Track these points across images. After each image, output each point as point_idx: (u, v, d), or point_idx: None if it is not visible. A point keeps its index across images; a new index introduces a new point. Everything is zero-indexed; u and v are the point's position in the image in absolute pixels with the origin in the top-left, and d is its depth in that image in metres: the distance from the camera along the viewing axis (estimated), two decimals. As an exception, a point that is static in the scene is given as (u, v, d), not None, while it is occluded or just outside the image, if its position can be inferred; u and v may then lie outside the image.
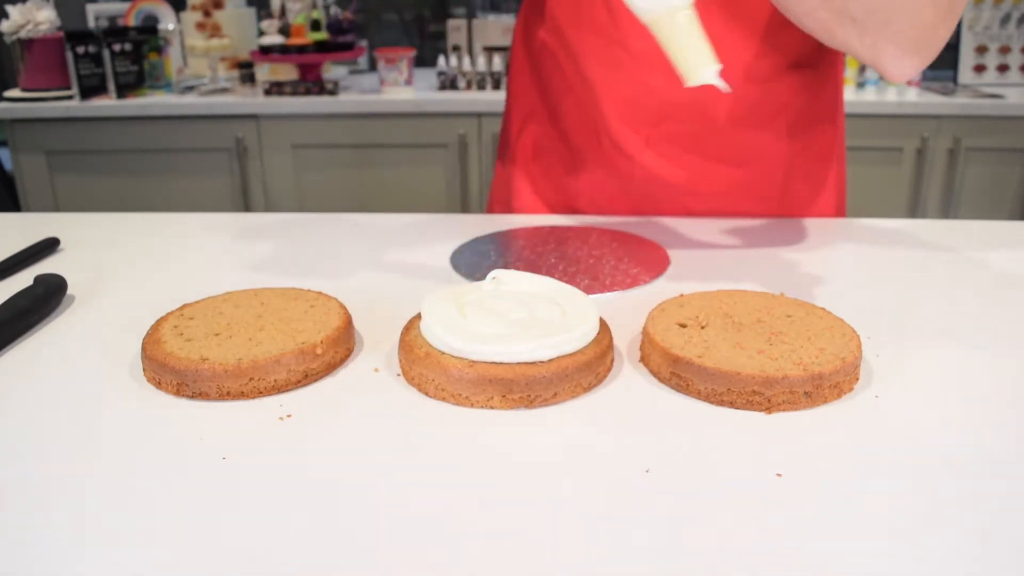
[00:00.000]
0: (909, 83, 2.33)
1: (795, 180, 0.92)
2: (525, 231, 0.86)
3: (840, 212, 0.98)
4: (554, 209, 0.97)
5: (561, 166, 0.96)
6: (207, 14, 2.54)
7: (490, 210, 1.06)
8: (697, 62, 0.58)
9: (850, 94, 2.24)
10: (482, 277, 0.71)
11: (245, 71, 2.37)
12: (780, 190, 0.92)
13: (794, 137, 0.90)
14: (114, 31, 2.31)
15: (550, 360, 0.52)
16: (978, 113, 2.15)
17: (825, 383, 0.51)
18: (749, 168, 0.90)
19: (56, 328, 0.64)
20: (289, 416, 0.50)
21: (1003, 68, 2.41)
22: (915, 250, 0.81)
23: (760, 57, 0.84)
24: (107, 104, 2.26)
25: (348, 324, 0.59)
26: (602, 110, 0.89)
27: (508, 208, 1.01)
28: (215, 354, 0.53)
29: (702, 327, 0.57)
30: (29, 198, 2.37)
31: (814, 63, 0.90)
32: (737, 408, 0.51)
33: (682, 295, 0.63)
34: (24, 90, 2.31)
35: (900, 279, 0.73)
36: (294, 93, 2.29)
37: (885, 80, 0.71)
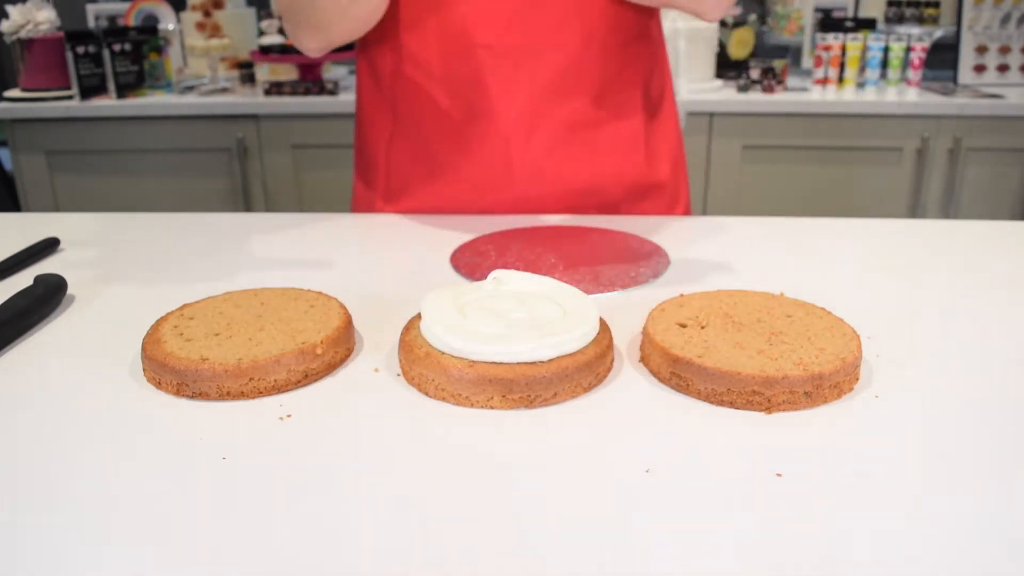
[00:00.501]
0: (909, 83, 2.33)
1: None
2: (525, 231, 0.86)
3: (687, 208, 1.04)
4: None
5: (430, 175, 0.97)
6: (207, 14, 2.54)
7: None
8: None
9: (850, 94, 2.24)
10: (482, 277, 0.71)
11: (245, 71, 2.37)
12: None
13: (601, 107, 0.94)
14: (114, 31, 2.30)
15: (550, 360, 0.52)
16: (978, 113, 2.15)
17: (825, 383, 0.51)
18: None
19: (56, 328, 0.64)
20: (289, 416, 0.50)
21: (1003, 68, 2.41)
22: (915, 250, 0.81)
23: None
24: (107, 104, 2.26)
25: (348, 324, 0.59)
26: (475, 110, 0.91)
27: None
28: (215, 354, 0.53)
29: (702, 327, 0.57)
30: (29, 198, 2.37)
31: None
32: (737, 408, 0.51)
33: (682, 295, 0.63)
34: (24, 90, 2.31)
35: (900, 279, 0.73)
36: (294, 93, 2.29)
37: (702, 20, 0.87)
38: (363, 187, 1.03)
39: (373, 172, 1.00)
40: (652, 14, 0.96)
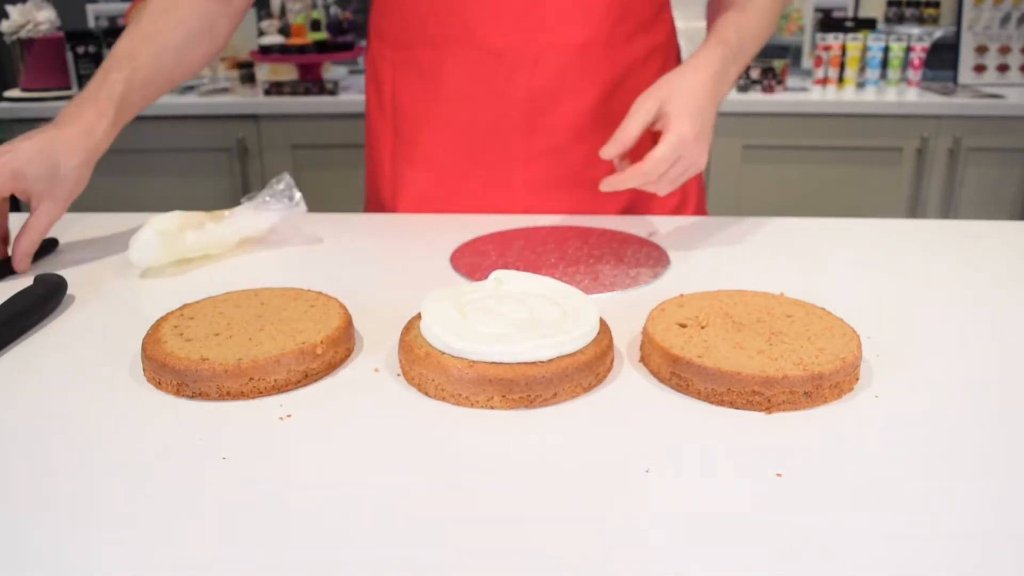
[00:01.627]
0: (909, 83, 2.33)
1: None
2: (525, 231, 0.86)
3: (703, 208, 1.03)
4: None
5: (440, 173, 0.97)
6: (207, 14, 2.54)
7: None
8: None
9: (850, 94, 2.24)
10: (482, 277, 0.71)
11: (245, 71, 2.37)
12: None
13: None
14: (114, 31, 2.30)
15: (550, 360, 0.52)
16: (978, 113, 2.15)
17: (825, 383, 0.51)
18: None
19: (56, 328, 0.64)
20: (289, 416, 0.50)
21: (1003, 68, 2.41)
22: (915, 250, 0.81)
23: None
24: (107, 104, 2.25)
25: (348, 324, 0.59)
26: (476, 112, 0.92)
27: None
28: (215, 354, 0.53)
29: (702, 327, 0.57)
30: (29, 198, 2.37)
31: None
32: (737, 408, 0.51)
33: (682, 295, 0.63)
34: (24, 90, 2.31)
35: (900, 279, 0.73)
36: (294, 93, 2.29)
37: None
38: (372, 191, 1.04)
39: (380, 177, 1.01)
40: (661, 7, 0.95)
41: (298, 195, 0.82)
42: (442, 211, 0.96)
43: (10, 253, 0.75)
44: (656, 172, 0.73)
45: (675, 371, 0.53)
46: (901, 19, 2.52)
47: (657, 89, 0.76)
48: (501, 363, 0.51)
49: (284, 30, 2.40)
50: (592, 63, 0.89)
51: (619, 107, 0.90)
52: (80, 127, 0.77)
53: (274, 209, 0.81)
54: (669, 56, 0.98)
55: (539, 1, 0.87)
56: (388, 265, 0.78)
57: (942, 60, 2.46)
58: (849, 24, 2.39)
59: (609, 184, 0.75)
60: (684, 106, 0.74)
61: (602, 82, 0.90)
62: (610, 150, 0.74)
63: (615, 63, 0.90)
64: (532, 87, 0.89)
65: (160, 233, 0.73)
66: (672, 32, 0.99)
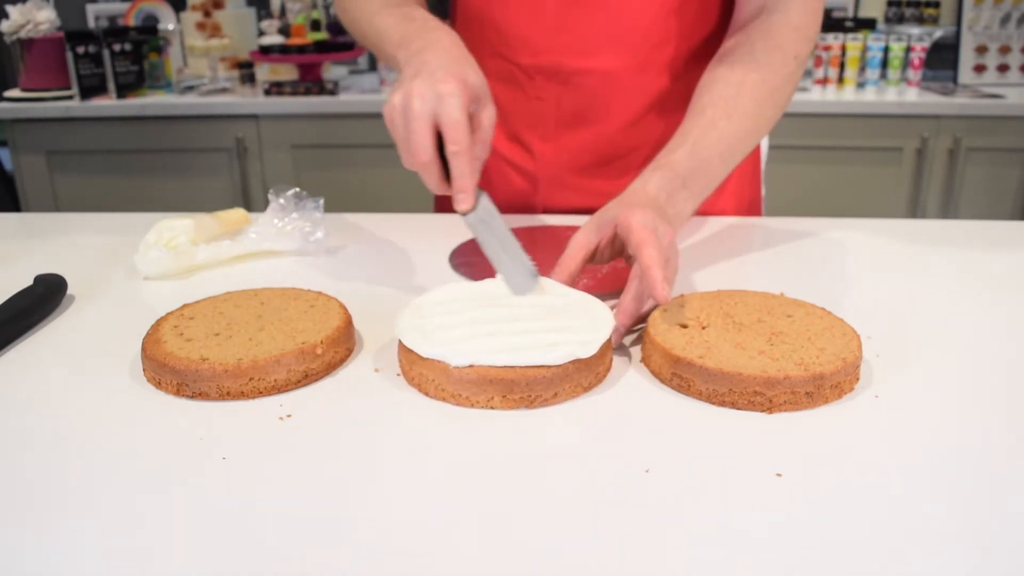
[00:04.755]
0: (909, 83, 2.33)
1: None
2: (524, 231, 0.86)
3: (754, 208, 0.98)
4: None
5: None
6: (207, 14, 2.54)
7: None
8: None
9: (850, 94, 2.24)
10: (481, 277, 0.71)
11: (245, 71, 2.37)
12: None
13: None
14: (114, 31, 2.30)
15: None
16: (978, 113, 2.15)
17: (826, 383, 0.51)
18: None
19: (56, 328, 0.64)
20: (289, 416, 0.50)
21: (1003, 68, 2.41)
22: (915, 250, 0.81)
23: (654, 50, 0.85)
24: (107, 104, 2.26)
25: (348, 324, 0.59)
26: (507, 117, 0.91)
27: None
28: (215, 354, 0.53)
29: (703, 327, 0.57)
30: (29, 198, 2.37)
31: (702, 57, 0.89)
32: (738, 408, 0.51)
33: (683, 295, 0.63)
34: (24, 90, 2.31)
35: (900, 279, 0.73)
36: (294, 93, 2.29)
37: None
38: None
39: None
40: (714, 33, 0.87)
41: (321, 233, 0.79)
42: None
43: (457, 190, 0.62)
44: (660, 280, 0.58)
45: (676, 371, 0.53)
46: (901, 19, 2.52)
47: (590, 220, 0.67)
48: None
49: (284, 30, 2.40)
50: (621, 90, 0.87)
51: (648, 131, 0.88)
52: (444, 37, 0.68)
53: (293, 238, 0.79)
54: None
55: (570, 27, 0.85)
56: (388, 265, 0.78)
57: (942, 60, 2.46)
58: (849, 24, 2.39)
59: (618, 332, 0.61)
60: (624, 203, 0.65)
61: (630, 108, 0.88)
62: (558, 277, 0.63)
63: (648, 89, 0.87)
64: (558, 106, 0.88)
65: (170, 249, 0.73)
66: None
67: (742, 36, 0.78)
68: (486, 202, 0.61)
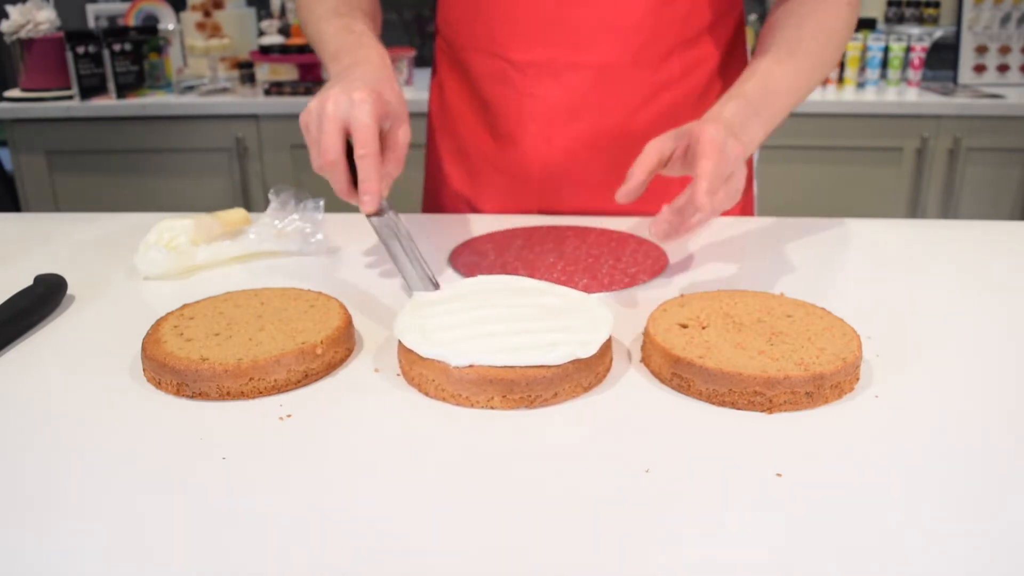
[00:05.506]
0: (909, 83, 2.33)
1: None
2: (524, 231, 0.86)
3: (747, 207, 0.99)
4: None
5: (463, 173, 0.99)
6: (207, 14, 2.54)
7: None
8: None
9: (850, 94, 2.24)
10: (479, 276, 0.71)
11: (245, 71, 2.37)
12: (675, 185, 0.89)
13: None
14: (114, 31, 2.30)
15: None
16: (978, 113, 2.15)
17: (826, 383, 0.51)
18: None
19: (56, 328, 0.64)
20: (289, 416, 0.50)
21: (1003, 68, 2.41)
22: (915, 250, 0.81)
23: (649, 42, 0.86)
24: (107, 104, 2.26)
25: (348, 324, 0.59)
26: (497, 116, 0.92)
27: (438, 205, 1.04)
28: (215, 354, 0.53)
29: (703, 327, 0.57)
30: (29, 198, 2.37)
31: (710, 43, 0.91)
32: (738, 408, 0.51)
33: (683, 295, 0.63)
34: (24, 90, 2.31)
35: (900, 279, 0.73)
36: (294, 93, 2.29)
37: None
38: (429, 187, 1.06)
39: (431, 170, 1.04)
40: (714, 22, 0.89)
41: (321, 234, 0.80)
42: (473, 208, 0.97)
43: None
44: (707, 196, 0.59)
45: (676, 372, 0.53)
46: (901, 19, 2.52)
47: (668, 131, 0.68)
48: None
49: (284, 30, 2.40)
50: (614, 83, 0.88)
51: (642, 124, 0.89)
52: (374, 55, 0.73)
53: (294, 239, 0.79)
54: (729, 64, 0.93)
55: (563, 19, 0.85)
56: (388, 265, 0.78)
57: (942, 60, 2.46)
58: (849, 24, 2.38)
59: (667, 236, 0.63)
60: (705, 120, 0.66)
61: (624, 102, 0.89)
62: (624, 193, 0.64)
63: (641, 83, 0.88)
64: (551, 101, 0.89)
65: (170, 250, 0.73)
66: (734, 41, 0.93)
67: None
68: (392, 213, 0.66)
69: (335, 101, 0.63)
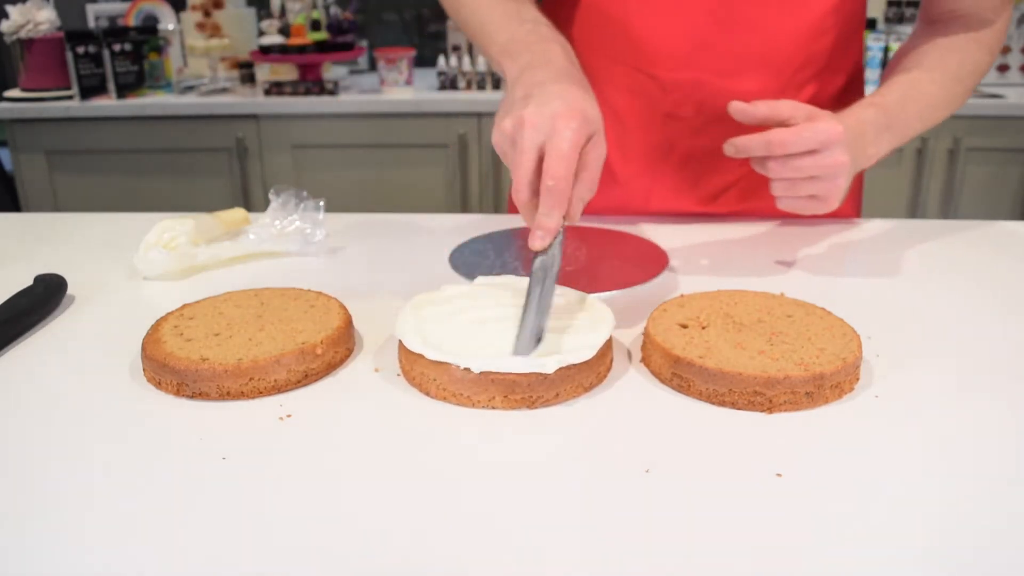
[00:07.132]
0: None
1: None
2: (524, 231, 0.86)
3: (857, 211, 0.99)
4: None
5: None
6: (207, 14, 2.54)
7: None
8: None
9: (850, 94, 2.24)
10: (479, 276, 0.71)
11: (245, 71, 2.37)
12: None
13: None
14: (114, 31, 2.30)
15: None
16: (978, 113, 2.15)
17: (826, 383, 0.51)
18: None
19: (56, 328, 0.64)
20: (289, 416, 0.50)
21: (1003, 68, 2.41)
22: (915, 250, 0.81)
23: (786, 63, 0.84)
24: (107, 104, 2.26)
25: (348, 324, 0.59)
26: (626, 127, 0.89)
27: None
28: (215, 354, 0.53)
29: (703, 327, 0.57)
30: (29, 198, 2.37)
31: (837, 71, 0.89)
32: (738, 408, 0.51)
33: (683, 295, 0.63)
34: (24, 90, 2.31)
35: (900, 279, 0.73)
36: (294, 93, 2.29)
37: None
38: None
39: None
40: (846, 48, 0.87)
41: (321, 234, 0.79)
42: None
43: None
44: (784, 145, 0.65)
45: (676, 372, 0.53)
46: (901, 19, 2.52)
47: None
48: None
49: (284, 30, 2.40)
50: None
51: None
52: (558, 52, 0.65)
53: (294, 240, 0.79)
54: (848, 89, 0.91)
55: (716, 45, 0.82)
56: (388, 265, 0.78)
57: (942, 60, 2.46)
58: (849, 24, 2.38)
59: (733, 145, 0.69)
60: (835, 116, 0.68)
61: (751, 127, 0.87)
62: (738, 109, 0.70)
63: None
64: (689, 120, 0.86)
65: (170, 250, 0.73)
66: (854, 74, 0.92)
67: (942, 25, 0.82)
68: (556, 249, 0.56)
69: (533, 125, 0.55)
